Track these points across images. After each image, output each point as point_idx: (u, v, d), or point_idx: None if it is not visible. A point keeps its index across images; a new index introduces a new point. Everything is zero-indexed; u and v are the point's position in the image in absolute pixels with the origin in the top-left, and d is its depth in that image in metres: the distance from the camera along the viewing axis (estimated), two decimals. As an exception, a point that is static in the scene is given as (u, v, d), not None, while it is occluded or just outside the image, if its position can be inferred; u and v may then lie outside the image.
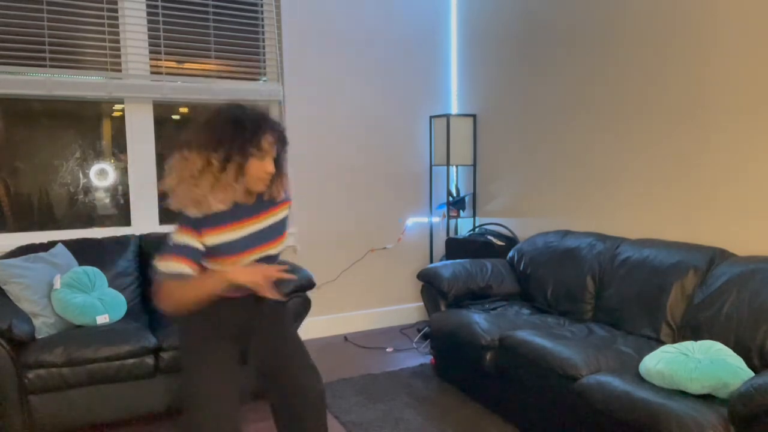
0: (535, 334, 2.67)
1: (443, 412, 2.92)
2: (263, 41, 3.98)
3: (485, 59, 4.29)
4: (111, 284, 3.09)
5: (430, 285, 3.42)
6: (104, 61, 3.51)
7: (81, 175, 3.62)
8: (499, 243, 3.87)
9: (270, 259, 1.86)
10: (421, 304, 4.23)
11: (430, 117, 4.50)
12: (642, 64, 3.14)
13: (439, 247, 4.53)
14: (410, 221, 4.55)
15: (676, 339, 2.59)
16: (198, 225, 1.69)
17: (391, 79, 4.38)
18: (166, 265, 1.67)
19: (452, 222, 4.49)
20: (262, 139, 1.70)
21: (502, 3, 4.10)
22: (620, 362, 2.41)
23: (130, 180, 3.65)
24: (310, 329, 4.12)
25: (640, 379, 2.22)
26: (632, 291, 2.81)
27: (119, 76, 3.53)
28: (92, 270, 3.01)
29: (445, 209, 4.46)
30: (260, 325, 1.91)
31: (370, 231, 4.39)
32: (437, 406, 2.99)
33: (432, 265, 3.63)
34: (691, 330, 2.52)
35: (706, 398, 2.03)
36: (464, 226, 4.53)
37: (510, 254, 3.67)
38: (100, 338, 2.67)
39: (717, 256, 2.65)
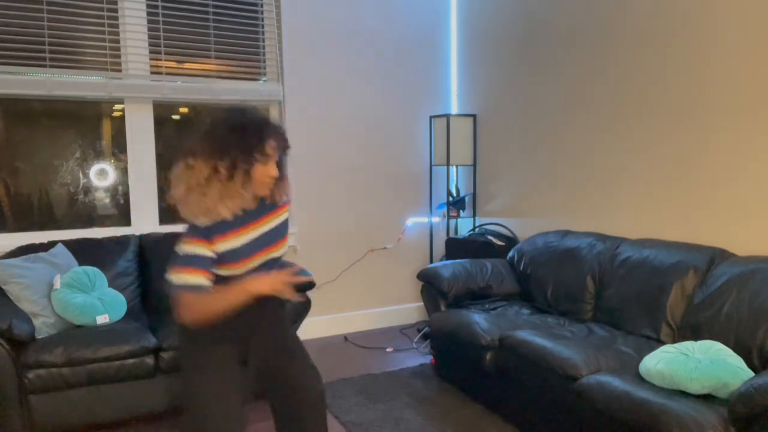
0: (535, 334, 2.67)
1: (443, 412, 2.92)
2: (263, 41, 3.98)
3: (485, 59, 4.29)
4: (111, 284, 3.09)
5: (430, 285, 3.42)
6: (104, 61, 3.51)
7: (81, 175, 3.62)
8: (499, 243, 3.87)
9: (274, 262, 1.86)
10: (421, 304, 4.23)
11: (430, 117, 4.50)
12: (642, 64, 3.14)
13: (439, 247, 4.53)
14: (410, 221, 4.55)
15: (676, 339, 2.59)
16: (208, 233, 1.69)
17: (391, 79, 4.38)
18: (180, 277, 1.66)
19: (452, 222, 4.49)
20: (266, 145, 1.70)
21: (502, 3, 4.10)
22: (620, 362, 2.41)
23: (130, 180, 3.65)
24: (310, 329, 4.12)
25: (640, 379, 2.22)
26: (632, 291, 2.81)
27: (119, 76, 3.53)
28: (92, 270, 3.01)
29: (445, 209, 4.46)
30: (260, 325, 1.91)
31: (370, 231, 4.39)
32: (437, 406, 2.99)
33: (432, 265, 3.63)
34: (691, 330, 2.52)
35: (706, 398, 2.03)
36: (464, 226, 4.53)
37: (510, 254, 3.67)
38: (100, 338, 2.67)
39: (717, 256, 2.65)
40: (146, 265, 3.32)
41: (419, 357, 3.74)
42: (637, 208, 3.20)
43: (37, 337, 2.67)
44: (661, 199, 3.07)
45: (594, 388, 2.21)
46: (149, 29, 3.61)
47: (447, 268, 3.41)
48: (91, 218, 3.66)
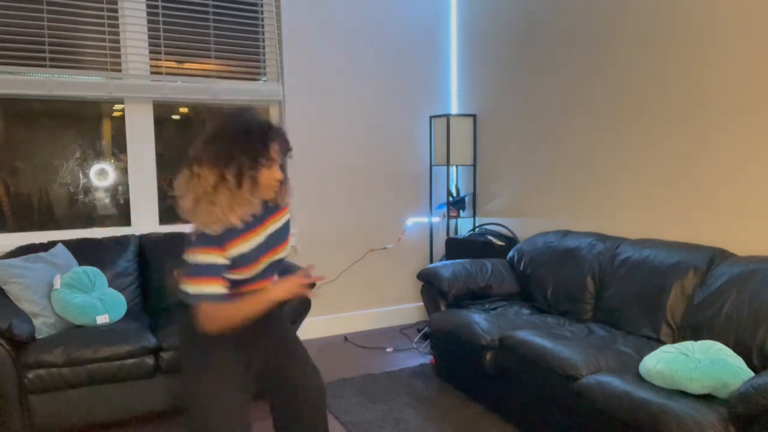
0: (535, 334, 2.67)
1: (443, 412, 2.92)
2: (263, 41, 3.98)
3: (485, 59, 4.29)
4: (111, 284, 3.09)
5: (430, 285, 3.42)
6: (104, 61, 3.51)
7: (81, 175, 3.62)
8: (499, 243, 3.87)
9: (278, 263, 1.87)
10: (421, 304, 4.22)
11: (430, 117, 4.50)
12: (642, 64, 3.14)
13: (439, 247, 4.53)
14: (410, 221, 4.55)
15: (676, 339, 2.59)
16: (220, 241, 1.68)
17: (391, 79, 4.38)
18: (197, 288, 1.66)
19: (452, 222, 4.49)
20: (271, 149, 1.70)
21: (502, 3, 4.10)
22: (620, 362, 2.41)
23: (130, 180, 3.65)
24: (310, 329, 4.12)
25: (640, 379, 2.22)
26: (632, 291, 2.81)
27: (119, 76, 3.53)
28: (92, 270, 3.01)
29: (445, 209, 4.46)
30: (260, 326, 1.91)
31: (370, 231, 4.39)
32: (437, 406, 2.99)
33: (432, 265, 3.63)
34: (691, 330, 2.52)
35: (706, 398, 2.03)
36: (464, 226, 4.53)
37: (510, 254, 3.67)
38: (100, 338, 2.67)
39: (717, 256, 2.65)
40: (146, 265, 3.32)
41: (419, 357, 3.74)
42: (637, 208, 3.20)
43: (37, 337, 2.67)
44: (661, 199, 3.07)
45: (594, 388, 2.21)
46: (149, 29, 3.61)
47: (447, 268, 3.41)
48: (91, 218, 3.66)
